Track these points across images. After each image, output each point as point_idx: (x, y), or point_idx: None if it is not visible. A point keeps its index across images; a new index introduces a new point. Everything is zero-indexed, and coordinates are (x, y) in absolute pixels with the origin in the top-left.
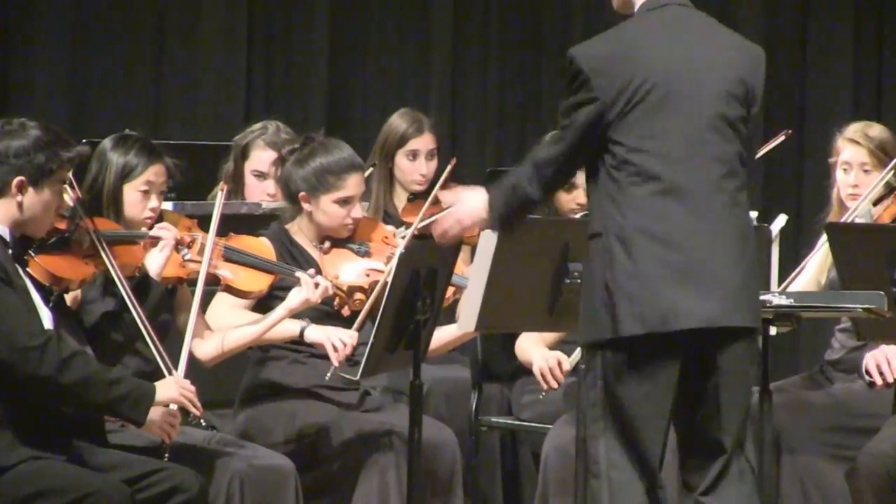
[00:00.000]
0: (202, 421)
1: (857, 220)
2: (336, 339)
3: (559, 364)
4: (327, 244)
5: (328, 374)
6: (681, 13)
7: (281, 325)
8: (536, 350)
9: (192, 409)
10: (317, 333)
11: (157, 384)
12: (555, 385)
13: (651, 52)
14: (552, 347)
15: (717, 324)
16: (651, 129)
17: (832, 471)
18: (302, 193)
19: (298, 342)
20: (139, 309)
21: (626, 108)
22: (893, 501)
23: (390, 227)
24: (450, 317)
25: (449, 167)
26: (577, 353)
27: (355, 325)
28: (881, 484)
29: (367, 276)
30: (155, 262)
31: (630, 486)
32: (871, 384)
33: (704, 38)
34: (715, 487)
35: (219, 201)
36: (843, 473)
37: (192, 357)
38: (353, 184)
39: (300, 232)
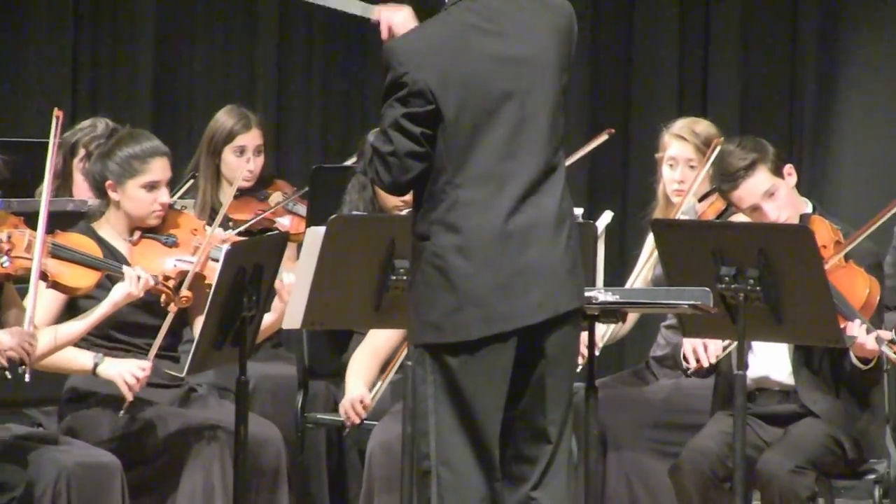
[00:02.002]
0: (26, 375)
1: (682, 217)
2: (128, 375)
3: (361, 401)
4: (136, 235)
5: (121, 412)
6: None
7: (75, 358)
8: (351, 382)
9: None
10: (109, 369)
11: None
12: (356, 421)
13: (469, 42)
14: (388, 359)
15: (548, 315)
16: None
17: (657, 467)
18: (109, 182)
19: (118, 339)
20: None
21: (447, 104)
22: (716, 497)
23: (200, 220)
24: None
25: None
26: (379, 384)
27: (150, 354)
28: (704, 480)
29: (175, 266)
30: None
31: (460, 483)
32: (687, 370)
33: (525, 18)
34: (542, 480)
35: (45, 198)
36: (667, 469)
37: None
38: (158, 167)
39: (108, 227)
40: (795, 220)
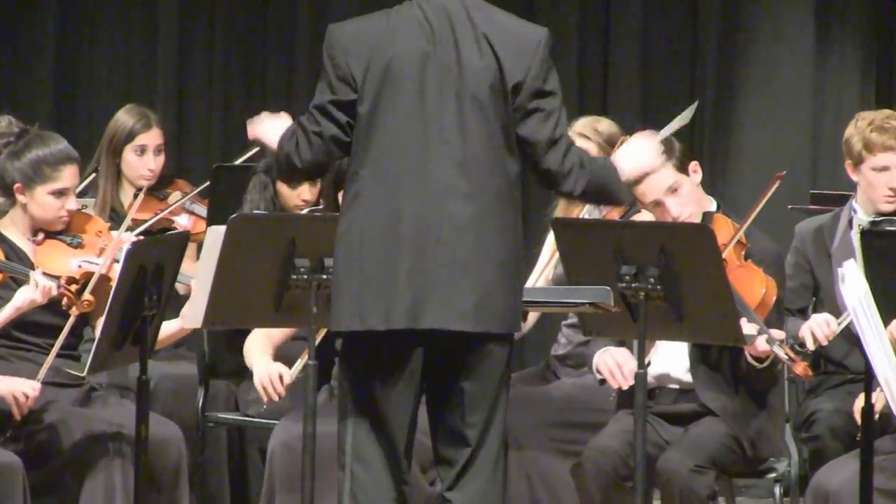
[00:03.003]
0: None
1: (585, 216)
2: (18, 393)
3: (280, 377)
4: (41, 235)
5: (7, 433)
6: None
7: None
8: (259, 359)
9: None
10: None
11: None
12: (275, 398)
13: (399, 38)
14: (279, 346)
15: (432, 325)
16: (384, 119)
17: (558, 466)
18: (17, 185)
19: (19, 339)
20: None
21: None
22: (618, 496)
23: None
24: None
25: None
26: (299, 363)
27: (51, 355)
28: (606, 479)
29: (80, 267)
30: None
31: (373, 481)
32: (602, 381)
33: (472, 31)
34: (458, 482)
35: None
36: (569, 468)
37: None
38: (68, 175)
39: (12, 225)
40: (698, 218)
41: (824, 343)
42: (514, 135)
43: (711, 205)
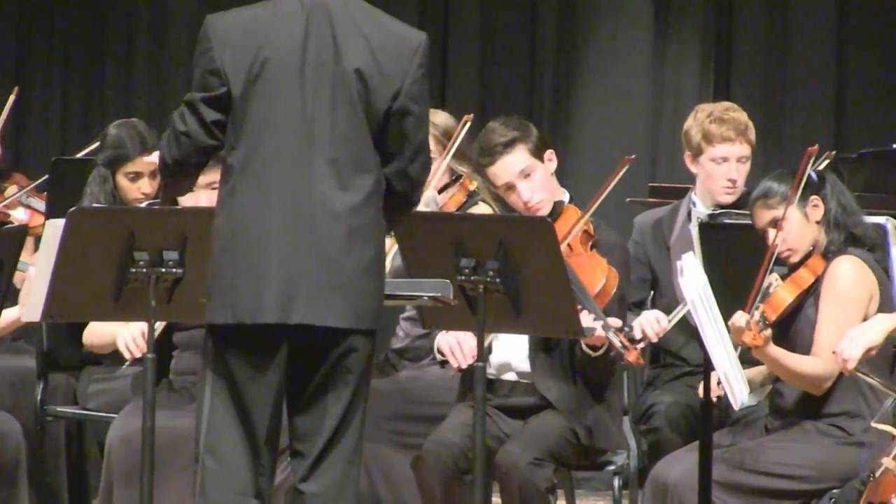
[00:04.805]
0: None
1: (423, 208)
2: None
3: (142, 334)
4: None
5: None
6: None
7: None
8: (115, 327)
9: None
10: None
11: None
12: (138, 354)
13: (277, 33)
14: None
15: (299, 321)
16: (257, 112)
17: (398, 459)
18: None
19: None
20: None
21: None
22: (458, 489)
23: None
24: None
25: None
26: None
27: None
28: (446, 472)
29: None
30: None
31: (225, 474)
32: (444, 363)
33: (350, 30)
34: (311, 474)
35: None
36: (409, 461)
37: None
38: None
39: None
40: (549, 206)
41: (654, 340)
42: (385, 135)
43: (564, 196)
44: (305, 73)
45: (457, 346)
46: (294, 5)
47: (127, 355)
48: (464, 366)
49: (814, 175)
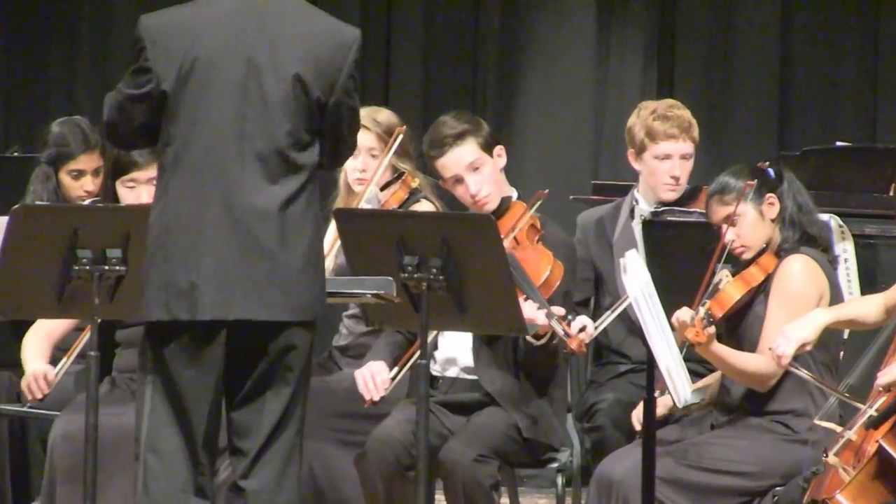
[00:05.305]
0: None
1: (365, 206)
2: None
3: (45, 376)
4: None
5: None
6: None
7: None
8: (30, 360)
9: None
10: None
11: None
12: (38, 396)
13: (209, 30)
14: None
15: (233, 316)
16: (189, 110)
17: (341, 456)
18: None
19: None
20: None
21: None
22: (401, 486)
23: None
24: None
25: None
26: (64, 362)
27: None
28: (389, 469)
29: None
30: None
31: (166, 471)
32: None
33: (285, 27)
34: (251, 471)
35: None
36: (352, 459)
37: None
38: None
39: None
40: (497, 202)
41: (581, 350)
42: (323, 128)
43: (513, 193)
44: (237, 70)
45: (370, 378)
46: (227, 4)
47: (28, 396)
48: (376, 398)
49: (771, 172)
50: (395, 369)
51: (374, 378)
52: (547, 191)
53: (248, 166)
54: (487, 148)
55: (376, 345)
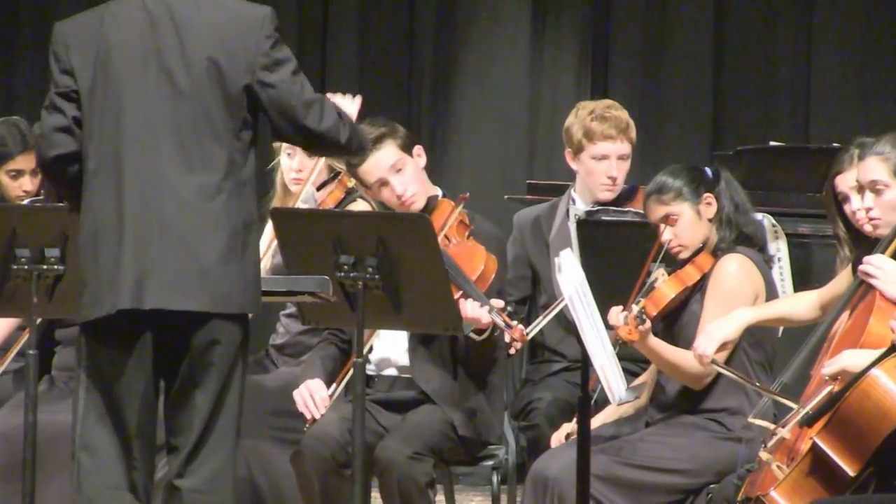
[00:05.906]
0: None
1: (302, 205)
2: None
3: None
4: None
5: None
6: None
7: None
8: None
9: None
10: None
11: None
12: None
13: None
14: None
15: (149, 306)
16: (104, 107)
17: (277, 454)
18: None
19: None
20: None
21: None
22: (337, 483)
23: None
24: None
25: None
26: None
27: None
28: (325, 466)
29: None
30: None
31: (98, 469)
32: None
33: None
34: (186, 469)
35: None
36: (288, 456)
37: None
38: None
39: None
40: (423, 201)
41: (523, 339)
42: (257, 109)
43: (438, 192)
44: (147, 63)
45: (309, 397)
46: (135, 1)
47: None
48: (317, 416)
49: (709, 172)
50: (333, 386)
51: (312, 397)
52: (468, 194)
53: (163, 157)
54: (406, 149)
55: (311, 360)
